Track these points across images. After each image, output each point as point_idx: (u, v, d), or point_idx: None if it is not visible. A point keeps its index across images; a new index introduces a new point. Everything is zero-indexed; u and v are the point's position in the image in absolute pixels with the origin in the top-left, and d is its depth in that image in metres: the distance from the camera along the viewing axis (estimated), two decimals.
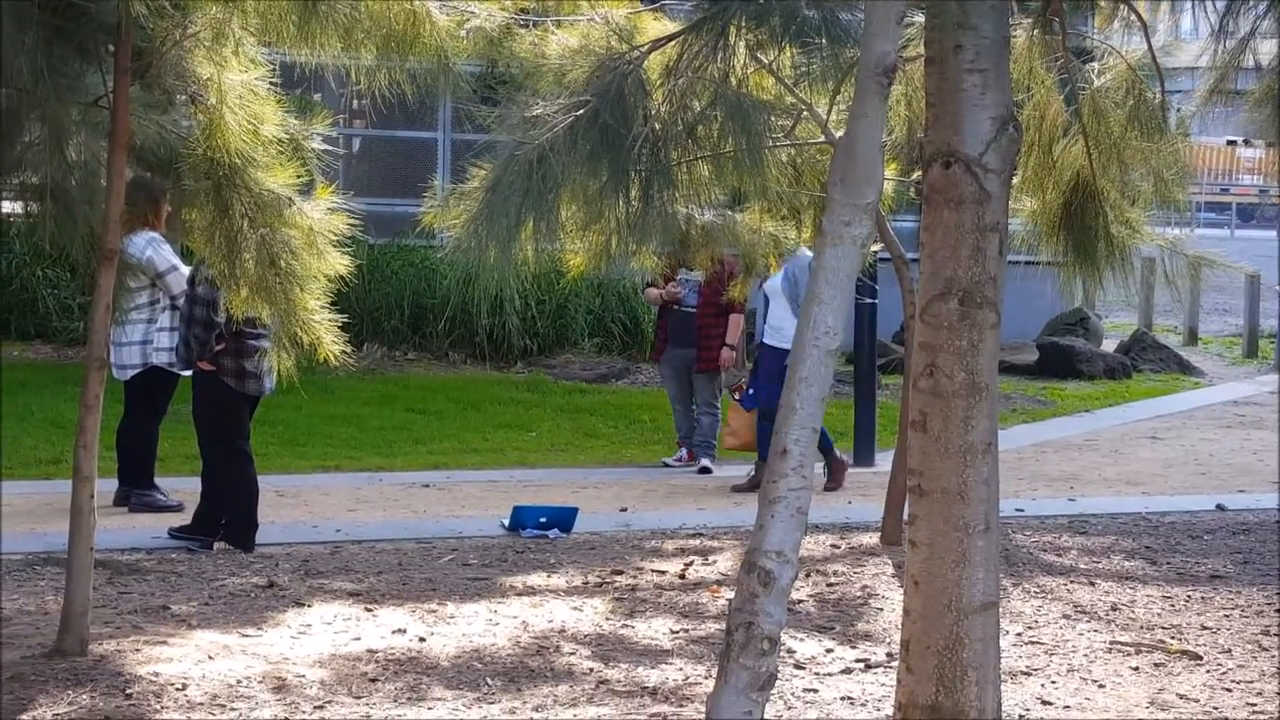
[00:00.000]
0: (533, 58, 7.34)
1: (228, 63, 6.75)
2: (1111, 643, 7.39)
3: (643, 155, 5.25)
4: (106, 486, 9.54)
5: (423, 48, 6.87)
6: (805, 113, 7.66)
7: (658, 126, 5.25)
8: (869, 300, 12.36)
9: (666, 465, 12.57)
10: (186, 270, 9.91)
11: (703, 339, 12.41)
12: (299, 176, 7.12)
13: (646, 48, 5.40)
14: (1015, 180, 5.54)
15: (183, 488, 10.23)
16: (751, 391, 11.66)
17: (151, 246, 9.92)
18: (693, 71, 5.27)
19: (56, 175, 6.73)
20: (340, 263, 7.15)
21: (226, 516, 9.08)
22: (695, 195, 6.77)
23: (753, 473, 11.51)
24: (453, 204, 6.60)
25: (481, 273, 5.91)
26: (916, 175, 8.19)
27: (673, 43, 5.61)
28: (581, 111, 5.15)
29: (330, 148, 7.70)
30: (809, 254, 11.23)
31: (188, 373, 9.82)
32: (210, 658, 6.65)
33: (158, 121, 6.90)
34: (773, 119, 6.15)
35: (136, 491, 10.07)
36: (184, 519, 9.35)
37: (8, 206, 16.96)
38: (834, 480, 11.59)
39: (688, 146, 5.68)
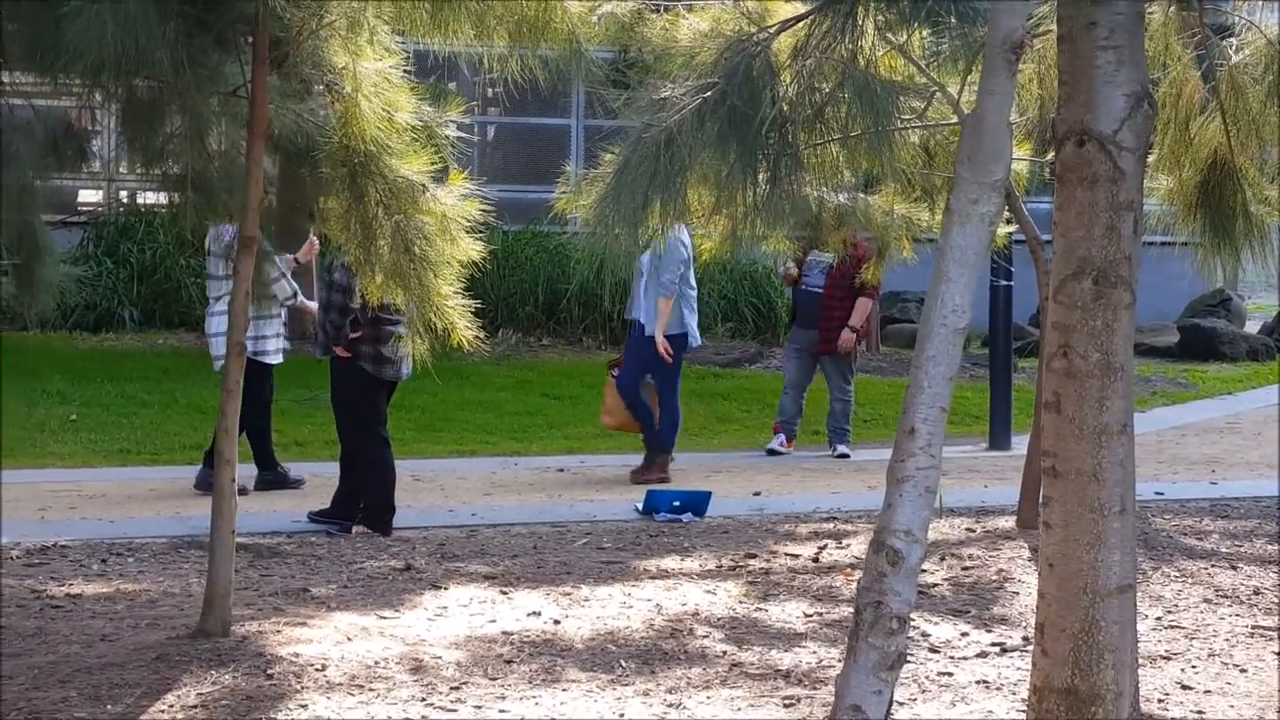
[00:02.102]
0: (663, 42, 7.35)
1: (363, 51, 6.84)
2: (1254, 627, 7.26)
3: (771, 137, 5.24)
4: (246, 471, 9.73)
5: (554, 34, 6.91)
6: (937, 93, 7.59)
7: (785, 108, 5.23)
8: (1005, 282, 12.24)
9: (773, 452, 12.47)
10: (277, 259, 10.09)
11: (825, 320, 12.34)
12: (433, 164, 7.19)
13: (775, 28, 5.39)
14: (1150, 158, 5.46)
15: (322, 473, 10.40)
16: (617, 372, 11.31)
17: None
18: (821, 52, 5.25)
19: (197, 165, 6.85)
20: (474, 249, 7.22)
21: (365, 501, 9.21)
22: (825, 178, 6.74)
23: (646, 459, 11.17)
24: (584, 189, 6.64)
25: (609, 256, 5.93)
26: (1051, 156, 8.09)
27: (801, 24, 5.59)
28: (709, 94, 5.14)
29: (464, 135, 7.78)
30: (680, 230, 10.85)
31: (274, 361, 10.06)
32: (349, 639, 6.76)
33: (295, 110, 7.01)
34: (903, 100, 6.10)
35: (262, 473, 10.34)
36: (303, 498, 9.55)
37: (151, 197, 17.34)
38: (652, 470, 11.09)
39: (816, 128, 5.65)
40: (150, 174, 7.52)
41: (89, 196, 19.26)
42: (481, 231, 7.34)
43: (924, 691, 6.25)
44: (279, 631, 6.83)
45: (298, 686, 6.09)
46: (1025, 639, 6.86)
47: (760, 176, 5.29)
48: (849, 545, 9.00)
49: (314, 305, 10.27)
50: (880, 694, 4.27)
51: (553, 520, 9.72)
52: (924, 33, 5.95)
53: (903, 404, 4.49)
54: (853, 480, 11.31)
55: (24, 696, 5.84)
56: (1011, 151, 4.48)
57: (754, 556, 8.67)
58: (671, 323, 11.16)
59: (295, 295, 10.18)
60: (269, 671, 6.24)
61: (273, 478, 10.35)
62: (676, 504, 9.84)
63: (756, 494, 10.68)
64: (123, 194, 18.81)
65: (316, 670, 6.29)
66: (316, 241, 10.26)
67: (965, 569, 8.37)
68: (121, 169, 11.31)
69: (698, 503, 9.88)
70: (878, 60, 5.81)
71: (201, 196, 7.18)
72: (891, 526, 4.33)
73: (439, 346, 7.45)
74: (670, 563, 8.54)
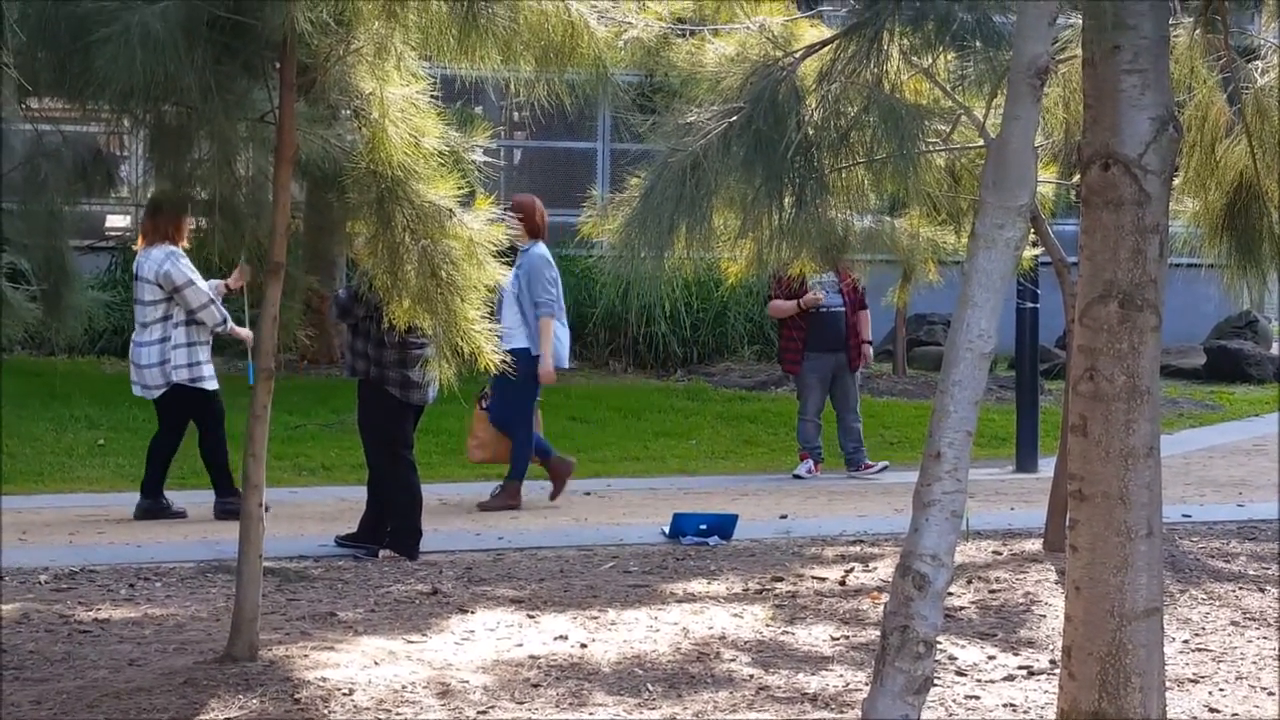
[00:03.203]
0: (689, 66, 7.37)
1: (390, 77, 6.87)
2: None
3: (796, 161, 5.25)
4: (272, 495, 9.75)
5: (581, 58, 6.93)
6: (962, 116, 7.61)
7: (811, 132, 5.25)
8: (1030, 305, 12.23)
9: (798, 477, 12.46)
10: (205, 285, 10.09)
11: (853, 338, 12.36)
12: (460, 188, 7.22)
13: (800, 53, 5.41)
14: (1176, 181, 5.46)
15: (349, 497, 10.43)
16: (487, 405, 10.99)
17: (170, 260, 10.05)
18: (846, 76, 5.27)
19: (225, 190, 6.89)
20: (500, 273, 7.24)
21: (391, 525, 9.22)
22: (850, 201, 6.75)
23: (497, 490, 10.95)
24: (610, 213, 6.66)
25: (635, 280, 5.96)
26: (1076, 179, 8.09)
27: (827, 48, 5.61)
28: (735, 118, 5.17)
29: (490, 159, 7.80)
30: (541, 248, 10.97)
31: (214, 387, 10.06)
32: (376, 663, 6.76)
33: (322, 136, 7.03)
34: (928, 123, 6.11)
35: (220, 501, 10.28)
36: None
37: None
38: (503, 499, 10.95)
39: (841, 152, 5.67)
40: (177, 199, 7.57)
41: (116, 221, 19.36)
42: (508, 255, 7.36)
43: (950, 715, 6.23)
44: (306, 656, 6.84)
45: (325, 711, 6.10)
46: (1052, 662, 6.83)
47: (786, 200, 5.31)
48: (876, 568, 8.98)
49: (245, 331, 10.08)
50: (907, 718, 4.26)
51: (579, 544, 9.72)
52: (949, 56, 5.96)
53: (928, 428, 4.49)
54: (879, 503, 11.29)
55: None
56: (1036, 176, 4.49)
57: (781, 580, 8.66)
58: (532, 342, 10.83)
59: (225, 322, 10.20)
60: (296, 696, 6.25)
61: (153, 506, 10.26)
62: (703, 527, 9.84)
63: (783, 517, 10.67)
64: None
65: (344, 694, 6.30)
66: (248, 269, 9.86)
67: (992, 592, 8.35)
68: (149, 194, 11.40)
69: (724, 526, 9.88)
70: (903, 84, 5.83)
71: (229, 222, 7.22)
72: (918, 551, 4.33)
73: (465, 370, 7.46)
74: (697, 586, 8.54)
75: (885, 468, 12.34)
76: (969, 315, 4.35)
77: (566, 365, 11.47)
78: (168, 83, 5.99)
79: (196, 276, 10.15)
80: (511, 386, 10.48)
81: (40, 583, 8.35)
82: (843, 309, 12.43)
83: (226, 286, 10.43)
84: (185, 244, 10.02)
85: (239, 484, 9.86)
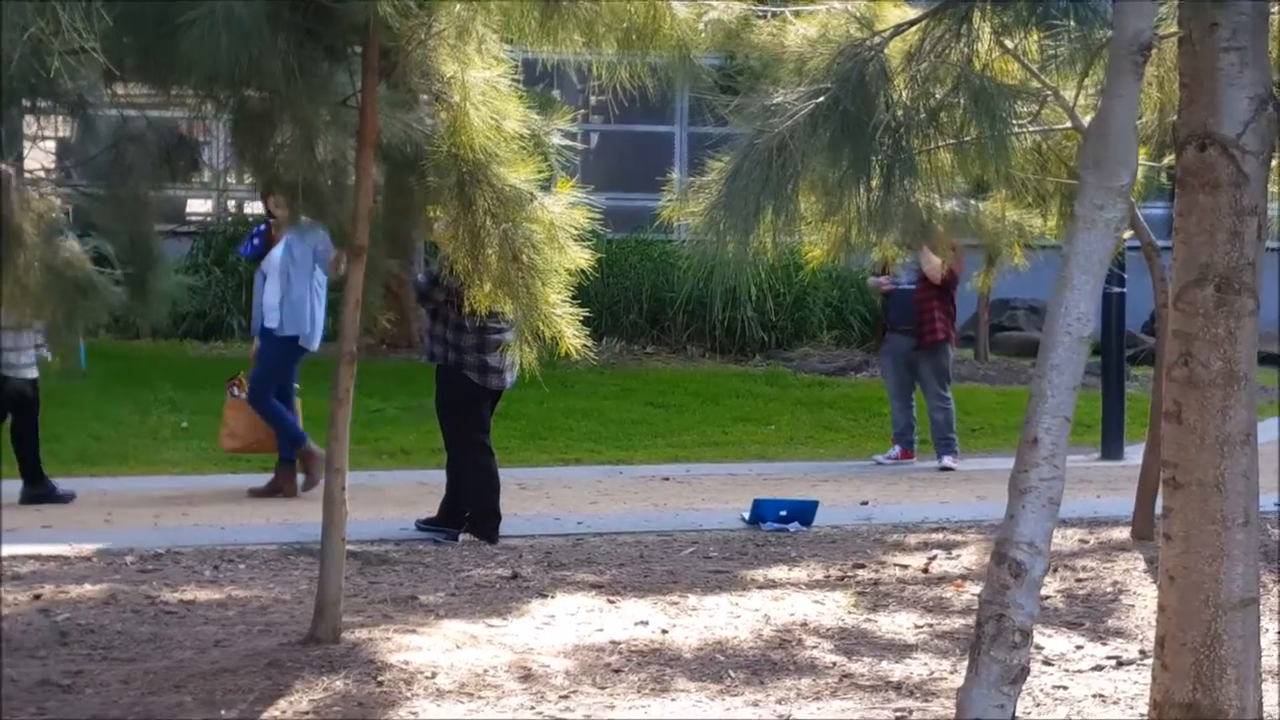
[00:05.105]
0: (771, 48, 7.31)
1: (471, 60, 6.85)
2: None
3: (884, 143, 5.18)
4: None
5: (663, 40, 6.88)
6: (1050, 97, 7.50)
7: (899, 113, 5.17)
8: (1118, 289, 12.08)
9: (879, 463, 12.36)
10: None
11: (921, 317, 12.22)
12: (540, 172, 7.19)
13: (888, 33, 5.33)
14: (1275, 162, 5.34)
15: (428, 480, 10.44)
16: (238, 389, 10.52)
17: None
18: (935, 57, 5.18)
19: (308, 174, 6.89)
20: (581, 257, 7.21)
21: (470, 509, 9.23)
22: (937, 183, 6.67)
23: (274, 477, 10.50)
24: (690, 197, 6.60)
25: (719, 265, 5.91)
26: (1168, 160, 7.96)
27: (914, 28, 5.53)
28: (821, 99, 5.10)
29: (569, 143, 7.78)
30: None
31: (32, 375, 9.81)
32: (458, 647, 6.76)
33: (403, 120, 7.03)
34: (1018, 105, 6.01)
35: (26, 488, 10.05)
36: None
37: (259, 206, 17.51)
38: (308, 478, 10.35)
39: (930, 134, 5.59)
40: (260, 183, 7.59)
41: (197, 206, 19.53)
42: (588, 239, 7.33)
43: (1038, 705, 6.15)
44: (388, 639, 6.85)
45: (408, 694, 6.10)
46: (1142, 652, 6.74)
47: (873, 182, 5.24)
48: (959, 556, 8.89)
49: None
50: (1003, 708, 4.20)
51: (659, 529, 9.69)
52: (1038, 35, 5.86)
53: (1025, 413, 4.42)
54: (962, 490, 11.19)
55: (140, 701, 5.90)
56: (1137, 156, 4.40)
57: (862, 567, 8.59)
58: (294, 320, 10.29)
59: None
60: (379, 678, 6.26)
61: (40, 491, 10.07)
62: (783, 513, 9.78)
63: (864, 503, 10.59)
64: (230, 203, 19.04)
65: (426, 678, 6.30)
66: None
67: (1079, 580, 8.25)
68: (230, 179, 11.45)
69: (805, 512, 9.81)
70: (992, 64, 5.74)
71: (312, 205, 7.23)
72: (1014, 538, 4.26)
73: (546, 355, 7.44)
74: (778, 572, 8.48)
75: (947, 470, 12.05)
76: (1068, 298, 4.27)
77: (315, 349, 10.62)
78: (252, 67, 5.98)
79: None
80: (271, 369, 10.34)
81: (126, 564, 8.41)
82: (913, 287, 12.27)
83: None
84: None
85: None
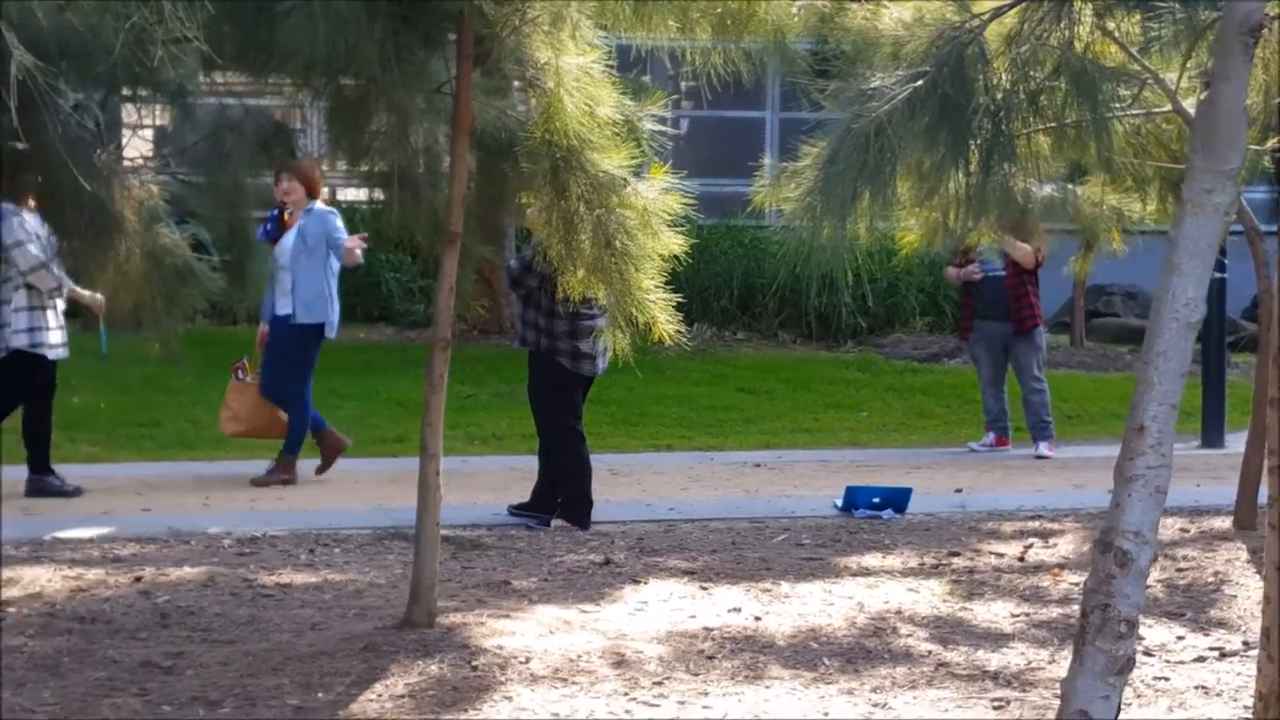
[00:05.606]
0: (865, 32, 7.25)
1: (565, 47, 6.84)
2: None
3: (983, 127, 5.13)
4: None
5: (758, 25, 6.84)
6: (1149, 80, 7.39)
7: (999, 96, 5.12)
8: (1219, 274, 11.90)
9: (973, 450, 12.26)
10: (35, 248, 9.31)
11: (1014, 302, 12.10)
12: (633, 158, 7.18)
13: (987, 16, 5.27)
14: None
15: (520, 466, 10.47)
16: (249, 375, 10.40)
17: (3, 219, 9.21)
18: (1035, 39, 5.12)
19: (403, 161, 6.92)
20: (675, 242, 7.19)
21: (562, 495, 9.24)
22: (1035, 167, 6.60)
23: (273, 466, 10.34)
24: (783, 183, 6.56)
25: (814, 250, 5.87)
26: (1273, 143, 7.82)
27: (1012, 11, 5.47)
28: (919, 83, 5.05)
29: (662, 128, 7.75)
30: (321, 206, 10.36)
31: (56, 356, 9.52)
32: (551, 632, 6.78)
33: (497, 106, 7.04)
34: (1119, 88, 5.93)
35: (32, 477, 9.74)
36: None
37: (352, 193, 17.65)
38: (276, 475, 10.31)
39: (1029, 117, 5.53)
40: (356, 170, 7.63)
41: None
42: (680, 225, 7.31)
43: (1139, 696, 6.07)
44: (482, 623, 6.88)
45: (502, 678, 6.12)
46: (1245, 644, 6.64)
47: (971, 166, 5.18)
48: (1055, 544, 8.81)
49: (90, 295, 9.38)
50: (1108, 699, 4.14)
51: (750, 516, 9.66)
52: (1139, 17, 5.77)
53: (1131, 400, 4.36)
54: (1057, 478, 11.08)
55: (239, 683, 5.95)
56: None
57: (957, 555, 8.53)
58: (314, 309, 10.24)
59: (60, 287, 9.50)
60: (474, 663, 6.28)
61: (44, 485, 9.73)
62: (876, 500, 9.72)
63: (958, 491, 10.51)
64: (325, 190, 19.16)
65: (520, 662, 6.32)
66: (100, 299, 9.10)
67: (1180, 570, 8.14)
68: (324, 166, 11.57)
69: (898, 499, 9.75)
70: (1092, 47, 5.66)
71: (407, 192, 7.26)
72: (1120, 527, 4.20)
73: (638, 340, 7.43)
74: (871, 560, 8.43)
75: (1040, 456, 11.92)
76: (1175, 283, 4.20)
77: (335, 334, 10.58)
78: (348, 55, 6.03)
79: (27, 236, 9.34)
80: (283, 357, 10.24)
81: (224, 547, 8.50)
82: (1004, 273, 12.17)
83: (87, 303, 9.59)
84: (32, 203, 8.69)
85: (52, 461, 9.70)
